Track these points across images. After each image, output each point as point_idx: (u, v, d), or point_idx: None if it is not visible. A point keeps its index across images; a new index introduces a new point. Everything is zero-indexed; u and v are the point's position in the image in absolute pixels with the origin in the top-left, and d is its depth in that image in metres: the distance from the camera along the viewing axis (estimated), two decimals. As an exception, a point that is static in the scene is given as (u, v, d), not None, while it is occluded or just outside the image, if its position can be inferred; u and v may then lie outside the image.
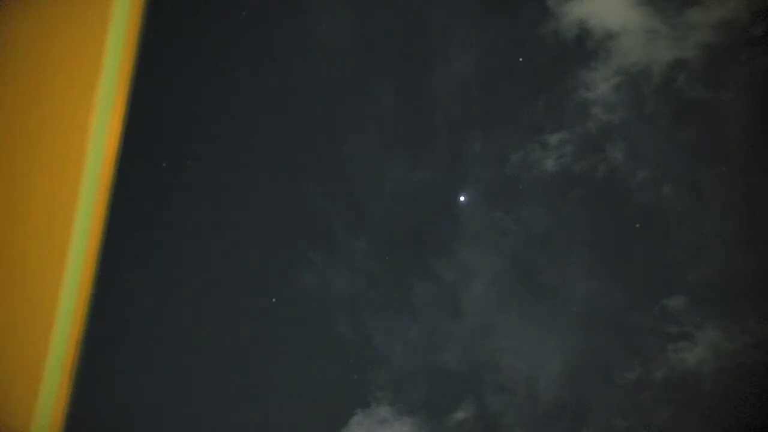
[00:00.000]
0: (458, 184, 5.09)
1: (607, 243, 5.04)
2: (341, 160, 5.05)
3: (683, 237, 4.95)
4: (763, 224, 4.83)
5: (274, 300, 4.91)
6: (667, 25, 5.05)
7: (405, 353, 4.90)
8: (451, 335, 4.93)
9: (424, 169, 5.12)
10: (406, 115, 5.15)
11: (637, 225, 5.01)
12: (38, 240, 4.11)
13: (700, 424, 4.70)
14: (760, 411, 4.62)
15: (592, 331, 4.91)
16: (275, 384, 4.84)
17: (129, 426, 4.54)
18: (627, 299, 4.91)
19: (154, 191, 4.91)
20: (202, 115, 5.01)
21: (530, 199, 5.08)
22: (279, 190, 5.05)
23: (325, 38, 5.17)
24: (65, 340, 4.03)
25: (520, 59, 5.17)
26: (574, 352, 4.89)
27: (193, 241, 4.93)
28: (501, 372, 4.88)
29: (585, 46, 5.12)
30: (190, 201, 4.96)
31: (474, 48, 5.18)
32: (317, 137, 5.13)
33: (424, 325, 4.95)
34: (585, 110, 5.07)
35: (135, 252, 4.73)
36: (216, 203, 4.96)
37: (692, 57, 5.00)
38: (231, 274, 4.92)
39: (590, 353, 4.87)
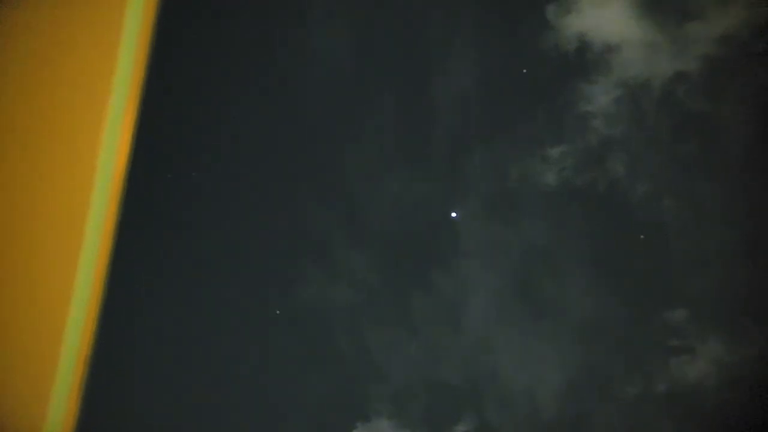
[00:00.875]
0: (458, 197, 5.09)
1: (608, 256, 5.03)
2: (340, 173, 5.07)
3: (685, 249, 4.93)
4: (765, 236, 4.81)
5: (278, 312, 4.91)
6: (668, 38, 5.06)
7: (405, 368, 4.89)
8: (452, 349, 4.92)
9: (423, 182, 5.12)
10: (406, 128, 5.16)
11: (642, 236, 5.00)
12: (47, 250, 4.13)
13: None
14: (762, 423, 4.59)
15: (593, 345, 4.89)
16: (276, 398, 4.83)
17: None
18: (628, 313, 4.90)
19: (162, 203, 4.93)
20: (201, 128, 5.03)
21: (531, 212, 5.08)
22: (277, 203, 5.07)
23: (325, 51, 5.19)
24: (75, 348, 4.05)
25: (524, 71, 5.18)
26: (576, 365, 4.87)
27: (196, 254, 4.94)
28: (502, 386, 4.87)
29: (585, 59, 5.13)
30: (193, 213, 4.98)
31: (474, 61, 5.19)
32: (316, 150, 5.14)
33: (424, 339, 4.94)
34: (585, 123, 5.07)
35: (142, 262, 4.74)
36: (214, 216, 4.98)
37: (693, 70, 5.00)
38: (232, 288, 4.93)
39: (591, 367, 4.86)
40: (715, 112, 4.96)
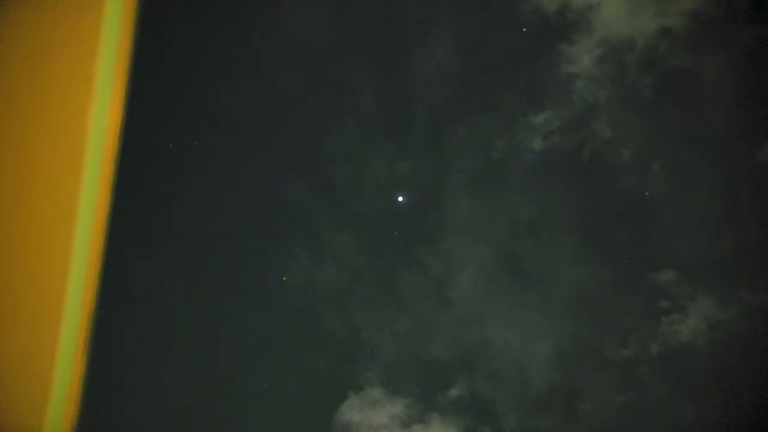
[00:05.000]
0: (443, 173, 5.08)
1: (595, 221, 5.01)
2: (323, 154, 5.08)
3: (671, 211, 4.89)
4: (750, 194, 4.74)
5: (284, 278, 5.01)
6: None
7: (395, 344, 4.96)
8: (442, 324, 4.97)
9: (407, 160, 5.11)
10: (388, 106, 5.13)
11: (647, 193, 4.95)
12: (41, 239, 4.27)
13: (697, 396, 4.70)
14: (755, 380, 4.61)
15: (583, 310, 4.91)
16: (270, 376, 4.96)
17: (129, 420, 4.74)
18: (617, 275, 4.89)
19: (148, 189, 5.02)
20: (184, 114, 5.07)
21: (517, 183, 5.05)
22: (261, 187, 5.11)
23: (303, 29, 5.16)
24: (73, 338, 4.23)
25: (524, 30, 5.09)
26: (569, 330, 4.90)
27: (182, 240, 5.03)
28: (494, 355, 4.92)
29: (566, 19, 5.01)
30: (178, 198, 5.06)
31: (453, 32, 5.11)
32: (298, 132, 5.15)
33: (413, 315, 5.00)
34: (570, 86, 4.99)
35: (133, 252, 4.86)
36: (199, 202, 5.05)
37: (676, 26, 4.87)
38: (220, 273, 5.03)
39: (583, 331, 4.88)
40: (698, 70, 4.84)
